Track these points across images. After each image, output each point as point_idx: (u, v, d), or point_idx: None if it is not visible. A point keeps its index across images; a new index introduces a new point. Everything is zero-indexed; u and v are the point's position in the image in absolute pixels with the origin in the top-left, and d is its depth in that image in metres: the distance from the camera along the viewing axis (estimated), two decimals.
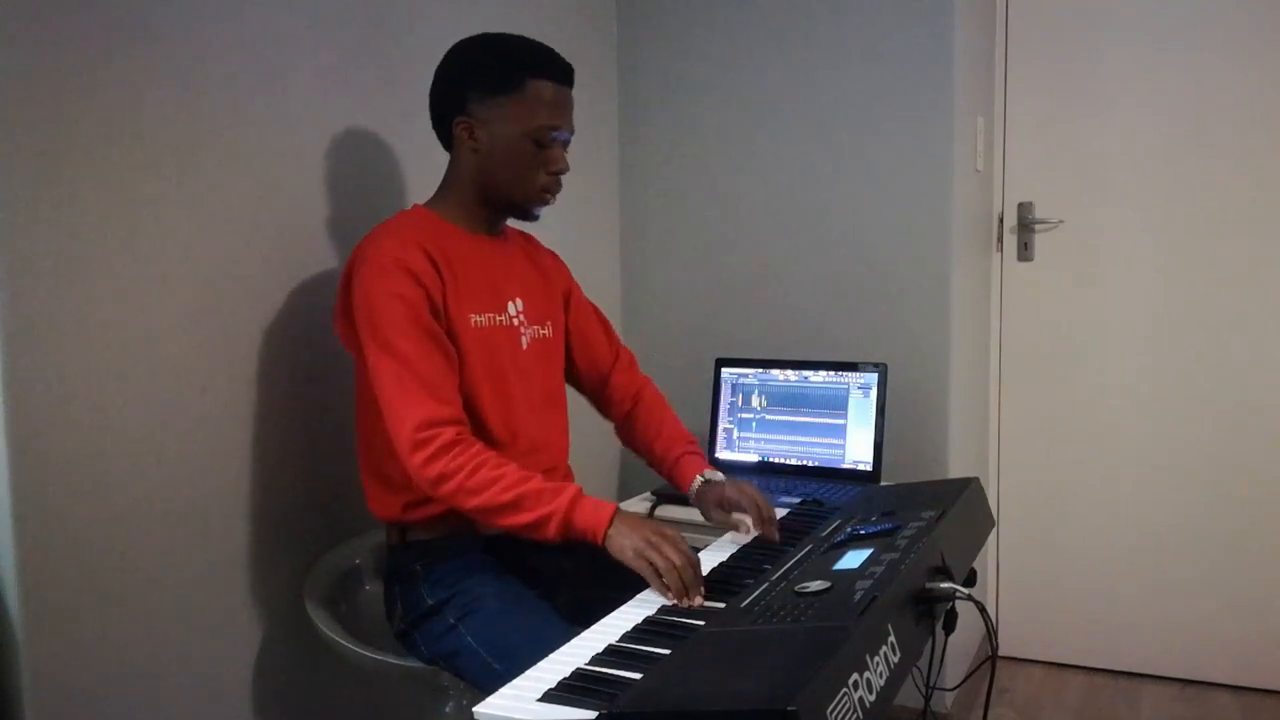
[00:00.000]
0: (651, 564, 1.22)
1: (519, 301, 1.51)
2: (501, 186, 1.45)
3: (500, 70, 1.41)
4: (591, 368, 1.68)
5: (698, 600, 1.20)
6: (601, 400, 1.71)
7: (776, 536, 1.45)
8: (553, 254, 1.67)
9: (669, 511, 1.91)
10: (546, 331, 1.56)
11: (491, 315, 1.46)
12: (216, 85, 1.44)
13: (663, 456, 1.62)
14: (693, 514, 1.62)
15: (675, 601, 1.20)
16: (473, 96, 1.42)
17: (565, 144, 1.47)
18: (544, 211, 1.53)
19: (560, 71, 1.44)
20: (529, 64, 1.42)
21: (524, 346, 1.50)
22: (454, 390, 1.35)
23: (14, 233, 1.18)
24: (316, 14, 1.61)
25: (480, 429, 1.42)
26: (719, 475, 1.56)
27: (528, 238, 1.64)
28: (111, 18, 1.29)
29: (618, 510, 1.28)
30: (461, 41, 1.46)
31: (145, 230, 1.35)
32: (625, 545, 1.24)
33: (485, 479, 1.27)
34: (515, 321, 1.50)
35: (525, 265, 1.57)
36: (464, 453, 1.29)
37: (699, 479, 1.56)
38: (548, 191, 1.47)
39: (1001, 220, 2.63)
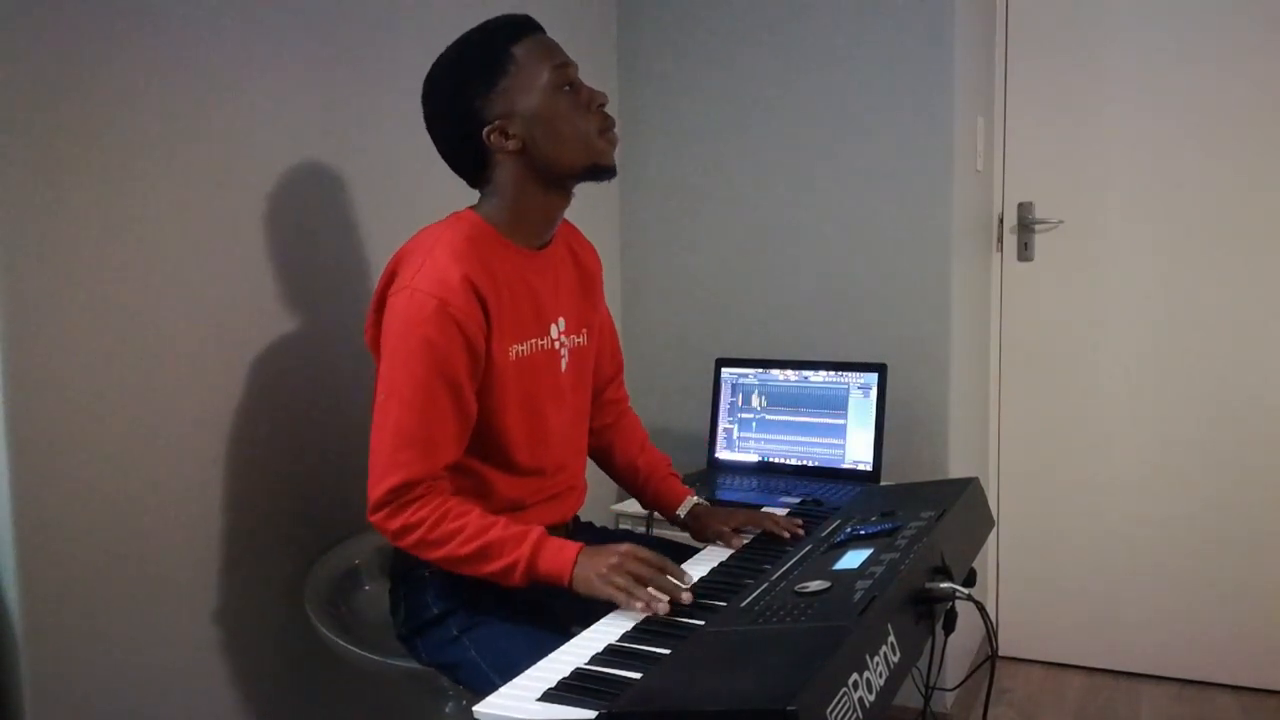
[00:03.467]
0: (618, 586, 1.20)
1: (561, 322, 1.47)
2: (564, 155, 1.36)
3: (484, 61, 1.34)
4: (596, 378, 1.66)
5: (685, 597, 1.19)
6: (591, 408, 1.68)
7: (800, 530, 1.48)
8: (594, 249, 1.60)
9: None
10: (581, 340, 1.52)
11: (534, 341, 1.41)
12: (219, 86, 1.44)
13: (649, 473, 1.63)
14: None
15: (652, 611, 1.18)
16: (480, 102, 1.33)
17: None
18: None
19: (526, 23, 1.38)
20: (500, 38, 1.35)
21: (563, 369, 1.47)
22: (453, 444, 1.31)
23: (14, 233, 1.19)
24: (321, 16, 1.61)
25: (506, 461, 1.40)
26: (706, 503, 1.60)
27: (572, 230, 1.56)
28: (113, 16, 1.29)
29: (582, 549, 1.26)
30: (426, 83, 1.38)
31: (145, 231, 1.35)
32: (591, 578, 1.22)
33: (447, 532, 1.26)
34: (556, 344, 1.45)
35: (570, 272, 1.51)
36: (425, 505, 1.27)
37: (693, 500, 1.58)
38: (605, 130, 1.38)
39: (1001, 220, 2.63)
